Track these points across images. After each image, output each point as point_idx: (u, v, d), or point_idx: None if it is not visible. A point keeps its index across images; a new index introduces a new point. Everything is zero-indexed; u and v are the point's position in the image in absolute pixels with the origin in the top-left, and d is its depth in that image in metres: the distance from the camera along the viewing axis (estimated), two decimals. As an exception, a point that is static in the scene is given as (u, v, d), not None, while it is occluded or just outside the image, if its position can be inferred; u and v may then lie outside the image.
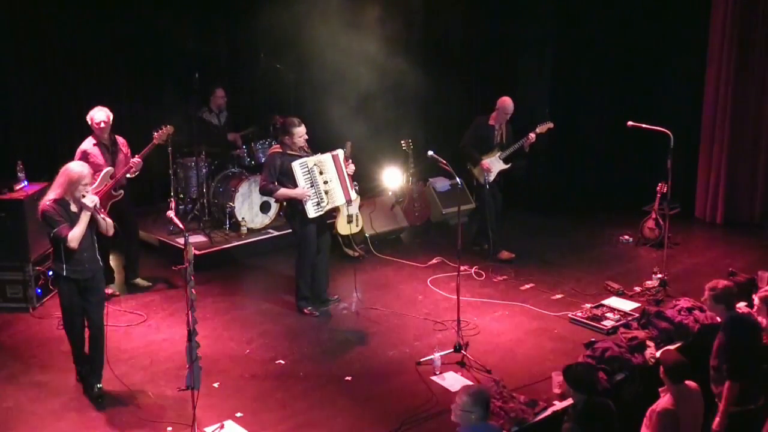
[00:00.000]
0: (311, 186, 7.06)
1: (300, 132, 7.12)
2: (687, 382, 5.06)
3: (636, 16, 10.45)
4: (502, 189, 8.73)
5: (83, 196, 5.52)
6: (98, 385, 5.83)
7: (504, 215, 8.88)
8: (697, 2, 9.83)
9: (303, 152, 7.21)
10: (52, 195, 5.57)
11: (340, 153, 7.31)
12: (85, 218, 5.54)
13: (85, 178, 5.55)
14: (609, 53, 10.67)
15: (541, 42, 11.33)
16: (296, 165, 7.01)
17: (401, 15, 9.31)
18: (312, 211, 7.08)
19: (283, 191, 7.09)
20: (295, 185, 7.05)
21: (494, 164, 8.44)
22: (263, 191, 7.34)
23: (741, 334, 5.35)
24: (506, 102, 8.42)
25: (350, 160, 7.42)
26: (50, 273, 7.60)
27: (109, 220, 5.76)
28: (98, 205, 5.61)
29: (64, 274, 5.63)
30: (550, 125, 8.44)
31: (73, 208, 5.59)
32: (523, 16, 11.14)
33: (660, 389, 5.15)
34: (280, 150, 7.18)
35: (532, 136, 8.33)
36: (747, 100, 9.50)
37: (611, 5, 10.53)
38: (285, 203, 7.40)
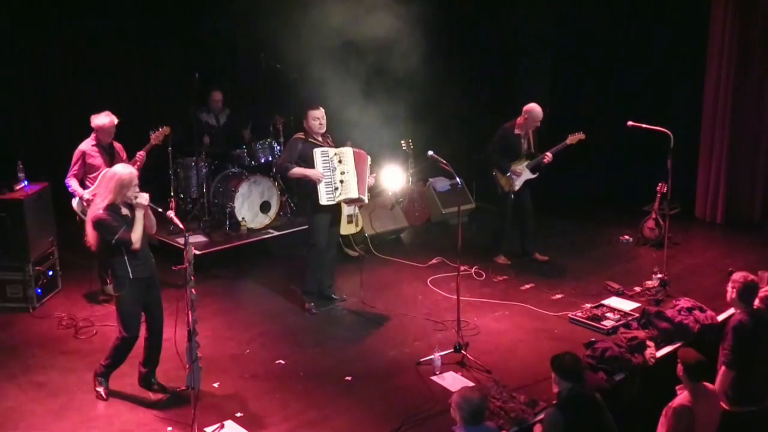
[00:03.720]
0: (329, 173, 7.15)
1: (315, 114, 7.21)
2: (705, 383, 5.07)
3: (636, 16, 10.46)
4: (532, 195, 8.48)
5: (136, 197, 5.52)
6: (155, 378, 5.96)
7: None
8: (697, 2, 9.84)
9: (326, 143, 7.32)
10: (102, 202, 5.52)
11: (368, 157, 7.40)
12: (140, 217, 5.56)
13: (134, 179, 5.55)
14: (609, 53, 10.67)
15: (541, 42, 11.33)
16: (317, 151, 7.14)
17: (401, 15, 9.30)
18: (324, 198, 7.13)
19: (298, 170, 7.19)
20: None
21: (522, 172, 8.27)
22: (279, 169, 7.52)
23: (753, 325, 5.30)
24: (535, 109, 8.10)
25: (375, 174, 7.55)
26: (50, 273, 7.62)
27: (153, 218, 5.77)
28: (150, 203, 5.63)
29: (131, 275, 5.61)
30: (581, 136, 8.18)
31: (124, 210, 5.57)
32: (523, 15, 11.14)
33: (677, 387, 5.16)
34: (303, 137, 7.28)
35: (549, 155, 8.13)
36: (747, 100, 9.51)
37: (611, 5, 10.54)
38: (299, 192, 7.48)
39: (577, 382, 4.77)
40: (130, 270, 5.61)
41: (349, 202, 7.41)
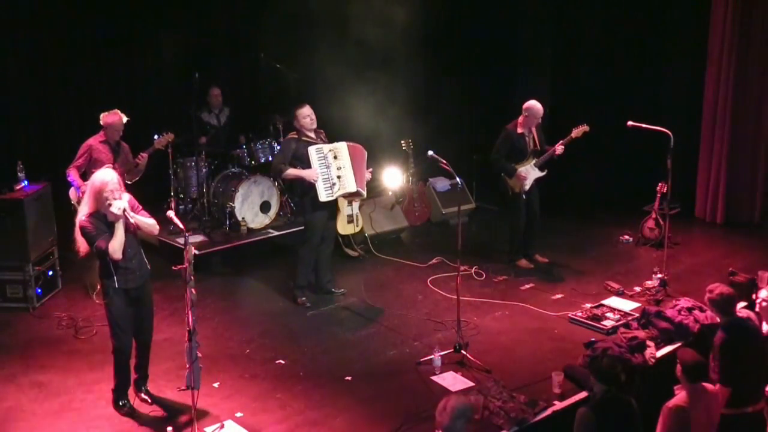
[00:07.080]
0: (325, 169, 7.18)
1: (304, 113, 7.26)
2: (704, 384, 5.06)
3: (636, 16, 10.45)
4: (539, 195, 8.37)
5: (109, 205, 5.29)
6: (145, 387, 5.84)
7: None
8: (697, 2, 9.84)
9: (319, 139, 7.35)
10: (85, 209, 5.39)
11: (365, 152, 7.42)
12: (120, 226, 5.33)
13: (108, 185, 5.29)
14: (609, 53, 10.67)
15: (541, 42, 11.32)
16: (312, 149, 7.18)
17: (401, 15, 9.31)
18: (323, 195, 7.17)
19: (292, 171, 7.23)
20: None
21: (530, 172, 8.15)
22: (274, 171, 7.51)
23: (737, 339, 5.35)
24: (535, 106, 8.02)
25: (371, 169, 7.58)
26: (50, 273, 7.62)
27: (149, 220, 5.54)
28: (128, 210, 5.33)
29: (116, 285, 5.46)
30: (585, 128, 8.11)
31: (110, 217, 5.37)
32: (523, 15, 11.13)
33: (675, 387, 5.15)
34: (296, 136, 7.32)
35: (560, 148, 8.06)
36: (747, 100, 9.50)
37: (611, 5, 10.53)
38: (297, 190, 7.51)
39: (613, 385, 4.75)
40: (115, 279, 5.46)
41: (348, 196, 7.46)
